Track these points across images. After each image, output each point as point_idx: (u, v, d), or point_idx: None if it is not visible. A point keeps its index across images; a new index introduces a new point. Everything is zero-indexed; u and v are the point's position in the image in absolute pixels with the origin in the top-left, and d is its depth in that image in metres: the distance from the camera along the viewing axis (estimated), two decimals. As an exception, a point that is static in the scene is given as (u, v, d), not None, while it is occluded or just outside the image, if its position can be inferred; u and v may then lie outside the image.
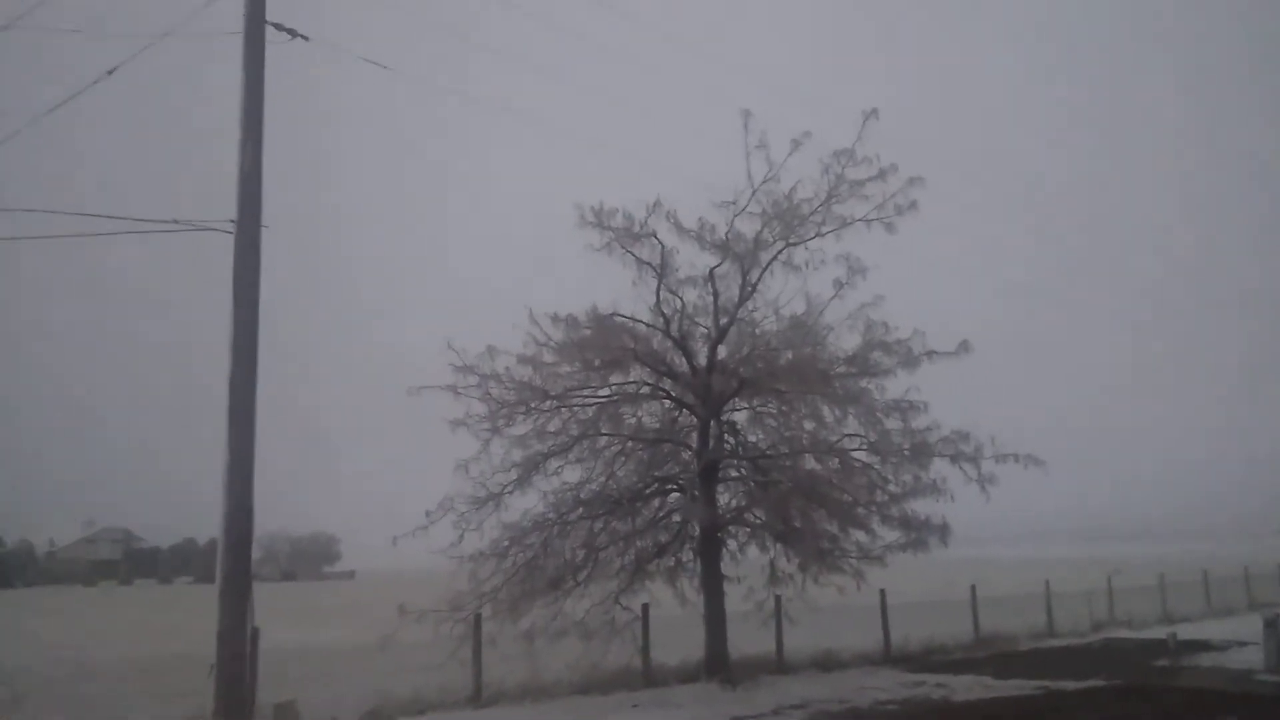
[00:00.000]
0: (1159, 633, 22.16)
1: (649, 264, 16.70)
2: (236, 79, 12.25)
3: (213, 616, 11.69)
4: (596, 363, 16.66)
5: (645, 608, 16.42)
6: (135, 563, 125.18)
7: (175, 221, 11.83)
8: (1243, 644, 19.45)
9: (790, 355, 16.90)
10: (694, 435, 17.27)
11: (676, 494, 17.28)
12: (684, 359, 17.22)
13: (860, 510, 16.92)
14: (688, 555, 17.29)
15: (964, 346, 16.64)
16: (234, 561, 11.71)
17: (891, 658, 19.21)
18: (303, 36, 12.27)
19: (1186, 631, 22.01)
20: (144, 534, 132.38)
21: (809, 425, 17.34)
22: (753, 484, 17.39)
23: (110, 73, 12.23)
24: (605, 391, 17.13)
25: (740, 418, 17.95)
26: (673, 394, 17.34)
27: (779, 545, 17.41)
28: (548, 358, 16.67)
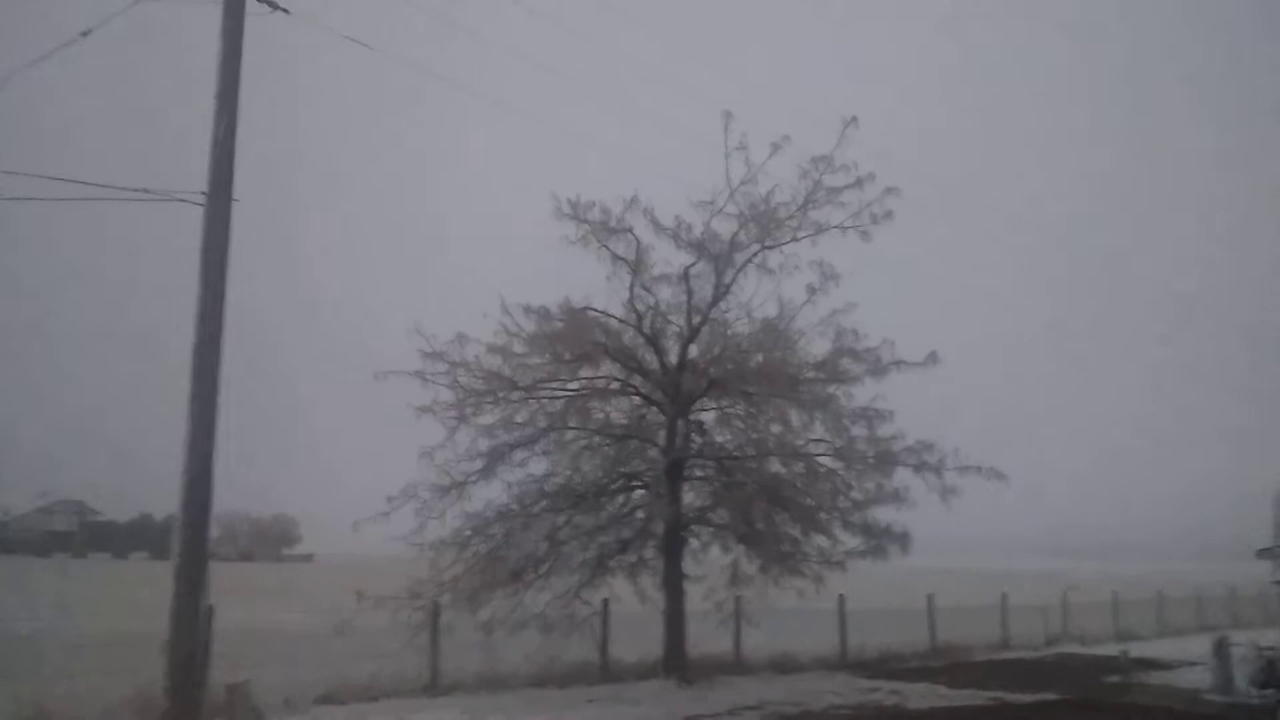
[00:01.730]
0: (1111, 649, 22.44)
1: (624, 259, 16.68)
2: (213, 48, 12.04)
3: (167, 593, 11.51)
4: (567, 356, 16.61)
5: (605, 603, 16.43)
6: (91, 535, 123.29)
7: (145, 190, 11.61)
8: (1192, 664, 19.71)
9: (760, 358, 16.95)
10: (661, 433, 17.25)
11: (641, 491, 17.25)
12: (655, 356, 17.20)
13: (823, 515, 17.03)
14: (650, 552, 17.28)
15: (932, 358, 16.78)
16: (191, 539, 11.51)
17: (848, 663, 19.31)
18: (283, 9, 12.09)
19: (1138, 649, 22.28)
20: (100, 507, 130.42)
21: (776, 428, 17.39)
22: (718, 484, 17.40)
23: (84, 35, 11.97)
24: (574, 385, 17.11)
25: (708, 417, 17.97)
26: (642, 391, 17.33)
27: (741, 546, 17.47)
28: (518, 348, 16.60)
